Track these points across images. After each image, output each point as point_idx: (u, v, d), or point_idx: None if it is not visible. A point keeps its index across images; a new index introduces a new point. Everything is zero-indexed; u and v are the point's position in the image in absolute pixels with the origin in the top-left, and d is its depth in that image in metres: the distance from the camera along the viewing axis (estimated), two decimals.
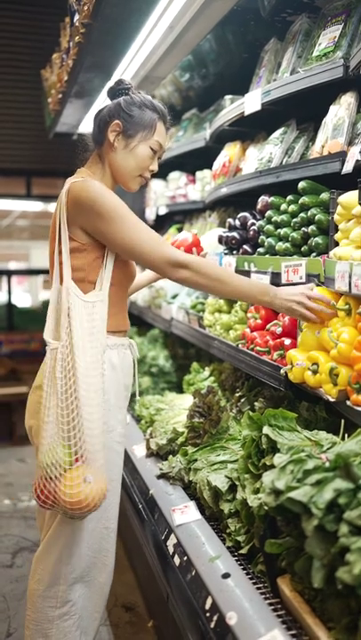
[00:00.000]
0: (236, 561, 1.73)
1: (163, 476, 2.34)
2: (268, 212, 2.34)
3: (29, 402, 1.99)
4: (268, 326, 2.27)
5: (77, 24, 2.60)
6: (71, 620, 1.90)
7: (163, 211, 4.11)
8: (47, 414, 1.76)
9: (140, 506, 2.33)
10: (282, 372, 2.00)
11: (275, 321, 2.24)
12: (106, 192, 1.82)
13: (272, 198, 2.35)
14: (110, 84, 2.03)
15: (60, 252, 1.86)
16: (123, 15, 2.30)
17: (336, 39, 2.04)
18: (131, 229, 1.82)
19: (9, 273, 7.67)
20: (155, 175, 2.12)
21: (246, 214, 2.60)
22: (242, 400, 2.54)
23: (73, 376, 1.76)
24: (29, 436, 2.00)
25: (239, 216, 2.63)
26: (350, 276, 1.66)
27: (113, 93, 2.00)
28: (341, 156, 1.87)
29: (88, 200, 1.80)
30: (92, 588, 1.96)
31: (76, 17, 2.63)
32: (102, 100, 3.43)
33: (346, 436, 1.68)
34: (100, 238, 1.85)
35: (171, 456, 2.40)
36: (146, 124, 1.94)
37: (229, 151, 2.93)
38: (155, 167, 2.02)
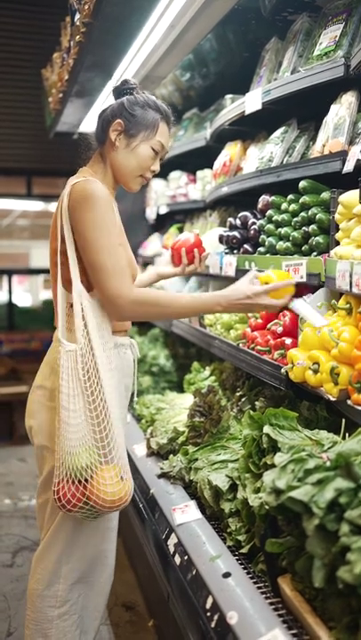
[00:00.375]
0: (237, 560, 1.73)
1: (163, 475, 2.34)
2: (269, 212, 2.34)
3: (30, 401, 1.99)
4: (268, 325, 2.27)
5: (78, 23, 2.59)
6: (71, 620, 1.90)
7: (163, 210, 4.11)
8: (71, 417, 1.74)
9: (141, 505, 2.33)
10: (283, 371, 1.99)
11: (275, 320, 2.24)
12: (102, 198, 1.79)
13: (273, 197, 2.35)
14: (112, 83, 2.03)
15: (62, 253, 1.85)
16: (123, 14, 2.29)
17: (337, 38, 2.03)
18: (103, 247, 1.78)
19: (9, 272, 7.66)
20: (155, 175, 2.11)
21: (247, 213, 2.60)
22: (242, 399, 2.54)
23: (97, 377, 1.77)
24: (29, 436, 2.00)
25: (240, 215, 2.63)
26: (351, 276, 1.66)
27: (118, 93, 1.99)
28: (342, 156, 1.87)
29: (83, 198, 1.78)
30: (92, 588, 1.96)
31: (77, 16, 2.63)
32: (103, 100, 3.42)
33: (347, 435, 1.68)
34: (75, 238, 1.82)
35: (171, 455, 2.40)
36: (148, 123, 1.93)
37: (230, 150, 2.93)
38: (156, 167, 2.00)
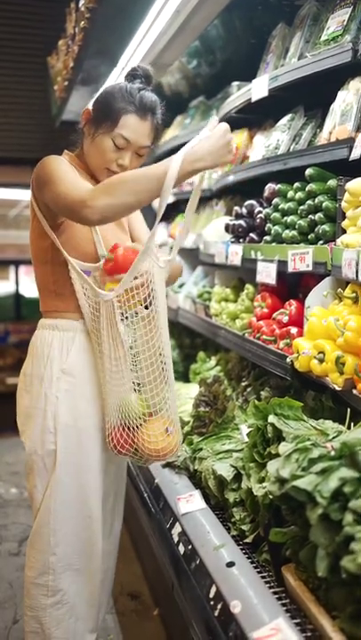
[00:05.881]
0: (241, 550, 1.73)
1: (168, 465, 2.33)
2: (275, 200, 2.32)
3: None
4: (274, 315, 2.26)
5: (83, 9, 2.57)
6: (64, 609, 1.90)
7: (170, 199, 4.08)
8: (113, 365, 1.78)
9: (146, 495, 2.33)
10: (288, 360, 1.98)
11: (281, 310, 2.23)
12: (54, 162, 1.76)
13: (279, 186, 2.32)
14: (117, 70, 1.99)
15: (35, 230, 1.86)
16: None
17: (345, 23, 2.00)
18: (57, 180, 1.70)
19: (16, 263, 7.66)
20: None
21: (253, 202, 2.57)
22: (248, 389, 2.53)
23: (156, 329, 1.77)
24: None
25: (246, 204, 2.61)
26: (357, 264, 1.65)
27: (125, 78, 1.93)
28: (349, 143, 1.84)
29: (39, 172, 1.77)
30: (82, 576, 1.94)
31: (82, 1, 2.60)
32: None
33: (352, 425, 1.66)
34: (46, 202, 1.78)
35: None
36: (111, 115, 1.81)
37: (237, 138, 2.90)
38: (124, 162, 1.85)
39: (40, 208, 1.82)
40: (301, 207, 2.12)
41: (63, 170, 1.75)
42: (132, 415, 1.79)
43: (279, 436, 1.64)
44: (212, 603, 1.55)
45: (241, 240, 2.63)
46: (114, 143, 1.82)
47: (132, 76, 1.90)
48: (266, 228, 2.38)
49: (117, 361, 1.78)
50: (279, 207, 2.28)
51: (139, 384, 1.80)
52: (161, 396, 1.79)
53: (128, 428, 1.80)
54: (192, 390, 2.82)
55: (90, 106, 1.88)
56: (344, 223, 1.84)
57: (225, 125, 1.66)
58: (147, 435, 1.79)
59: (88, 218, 1.63)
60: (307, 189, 2.09)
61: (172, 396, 1.84)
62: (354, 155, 1.81)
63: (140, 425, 1.80)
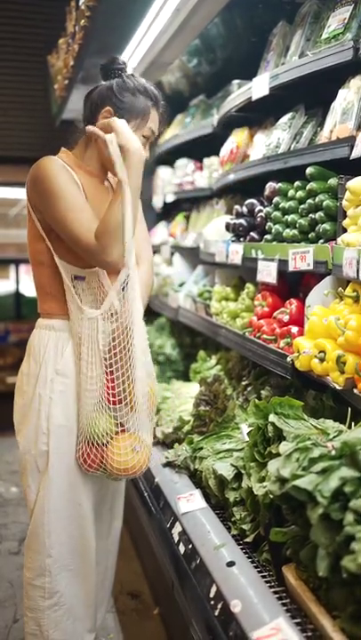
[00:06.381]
0: (242, 549, 1.72)
1: (168, 464, 2.33)
2: (276, 199, 2.31)
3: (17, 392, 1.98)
4: (275, 314, 2.25)
5: (83, 7, 2.57)
6: (61, 611, 1.90)
7: (170, 198, 4.08)
8: (89, 382, 1.80)
9: (146, 494, 2.33)
10: (288, 360, 1.98)
11: (282, 309, 2.23)
12: (53, 170, 1.76)
13: (280, 184, 2.32)
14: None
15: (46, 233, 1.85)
16: None
17: (346, 21, 1.99)
18: (63, 210, 1.73)
19: (16, 262, 7.64)
20: (162, 162, 2.07)
21: (254, 201, 2.57)
22: (248, 388, 2.52)
23: (126, 343, 1.77)
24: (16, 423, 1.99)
25: (246, 203, 2.60)
26: (358, 263, 1.64)
27: (106, 72, 1.88)
28: (350, 141, 1.83)
29: (36, 179, 1.77)
30: (78, 577, 1.94)
31: (82, 0, 2.60)
32: None
33: (353, 424, 1.66)
34: (45, 218, 1.80)
35: (177, 444, 2.39)
36: (139, 111, 1.84)
37: (237, 137, 2.90)
38: (146, 154, 1.87)
39: (34, 211, 1.82)
40: (302, 206, 2.12)
41: (63, 185, 1.75)
42: (101, 432, 1.79)
43: (280, 436, 1.64)
44: (212, 602, 1.55)
45: (241, 239, 2.62)
46: (143, 137, 1.88)
47: (119, 69, 1.87)
48: (266, 227, 2.38)
49: (92, 379, 1.79)
50: (280, 206, 2.27)
51: (109, 400, 1.80)
52: (131, 413, 1.79)
53: (97, 445, 1.80)
54: (192, 389, 2.81)
55: (107, 106, 1.82)
56: (345, 222, 1.84)
57: (116, 120, 1.73)
58: (116, 454, 1.79)
59: (110, 269, 1.75)
60: (307, 188, 2.09)
61: (142, 414, 1.83)
62: (355, 153, 1.80)
63: (108, 442, 1.80)
